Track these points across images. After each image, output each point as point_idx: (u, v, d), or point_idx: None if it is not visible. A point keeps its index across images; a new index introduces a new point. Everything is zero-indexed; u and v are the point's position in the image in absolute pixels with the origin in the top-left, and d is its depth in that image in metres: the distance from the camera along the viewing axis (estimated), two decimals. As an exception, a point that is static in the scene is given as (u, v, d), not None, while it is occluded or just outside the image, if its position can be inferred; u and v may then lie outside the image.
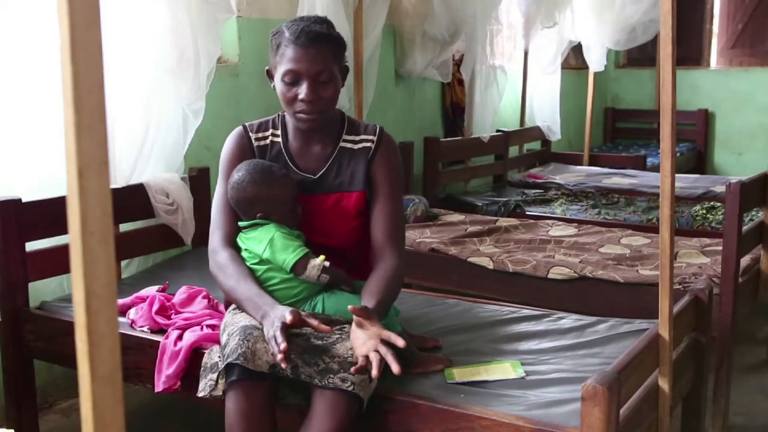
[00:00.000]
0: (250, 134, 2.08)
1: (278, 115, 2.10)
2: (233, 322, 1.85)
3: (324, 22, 1.98)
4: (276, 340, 1.68)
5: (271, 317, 1.76)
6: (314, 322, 1.75)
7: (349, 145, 2.06)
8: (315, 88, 1.91)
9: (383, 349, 1.67)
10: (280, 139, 2.07)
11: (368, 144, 2.05)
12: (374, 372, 1.66)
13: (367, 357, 1.69)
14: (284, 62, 1.92)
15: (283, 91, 1.94)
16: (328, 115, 2.00)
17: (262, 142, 2.08)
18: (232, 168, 2.01)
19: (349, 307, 1.74)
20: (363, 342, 1.72)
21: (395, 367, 1.65)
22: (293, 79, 1.91)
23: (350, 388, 1.69)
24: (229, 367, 1.72)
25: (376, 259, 1.99)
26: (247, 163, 2.00)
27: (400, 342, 1.67)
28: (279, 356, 1.66)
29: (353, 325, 1.76)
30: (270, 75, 2.02)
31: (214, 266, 1.96)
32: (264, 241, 1.92)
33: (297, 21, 1.96)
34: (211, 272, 1.98)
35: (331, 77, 1.92)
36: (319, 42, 1.91)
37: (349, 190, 2.03)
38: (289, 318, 1.71)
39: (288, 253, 1.91)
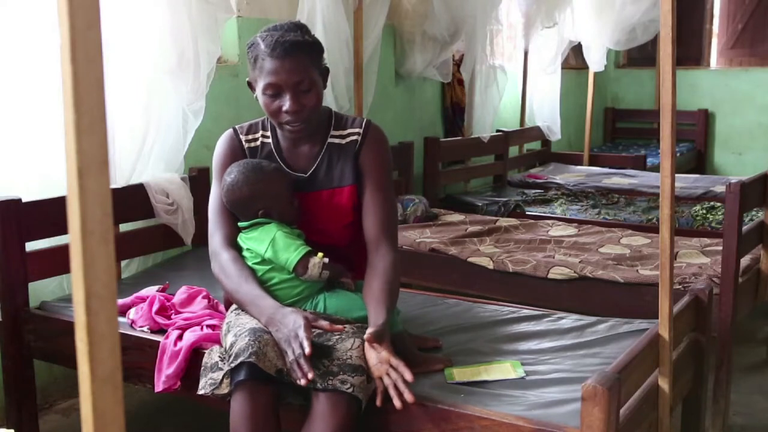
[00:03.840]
0: (241, 136, 2.09)
1: (267, 117, 2.10)
2: (239, 323, 1.85)
3: (298, 28, 1.97)
4: (300, 365, 1.70)
5: (277, 322, 1.78)
6: (325, 324, 1.78)
7: (337, 141, 2.06)
8: (297, 98, 1.91)
9: (394, 375, 1.71)
10: (270, 140, 2.08)
11: (355, 137, 2.05)
12: (378, 401, 1.73)
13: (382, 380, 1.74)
14: (263, 76, 1.91)
15: (266, 103, 1.94)
16: (315, 119, 2.00)
17: (252, 144, 2.08)
18: (226, 170, 2.02)
19: (365, 336, 1.75)
20: (374, 364, 1.76)
21: (408, 396, 1.68)
22: (274, 91, 1.91)
23: (350, 390, 1.70)
24: (236, 367, 1.71)
25: (371, 253, 1.99)
26: (237, 164, 2.01)
27: (408, 375, 1.69)
28: (303, 381, 1.68)
29: (365, 344, 1.78)
30: (251, 86, 2.01)
31: (217, 268, 1.97)
32: (266, 241, 1.93)
33: (271, 31, 1.94)
34: (214, 274, 1.99)
35: (311, 85, 1.92)
36: (295, 51, 1.90)
37: (340, 185, 2.04)
38: (304, 335, 1.72)
39: (290, 252, 1.91)
